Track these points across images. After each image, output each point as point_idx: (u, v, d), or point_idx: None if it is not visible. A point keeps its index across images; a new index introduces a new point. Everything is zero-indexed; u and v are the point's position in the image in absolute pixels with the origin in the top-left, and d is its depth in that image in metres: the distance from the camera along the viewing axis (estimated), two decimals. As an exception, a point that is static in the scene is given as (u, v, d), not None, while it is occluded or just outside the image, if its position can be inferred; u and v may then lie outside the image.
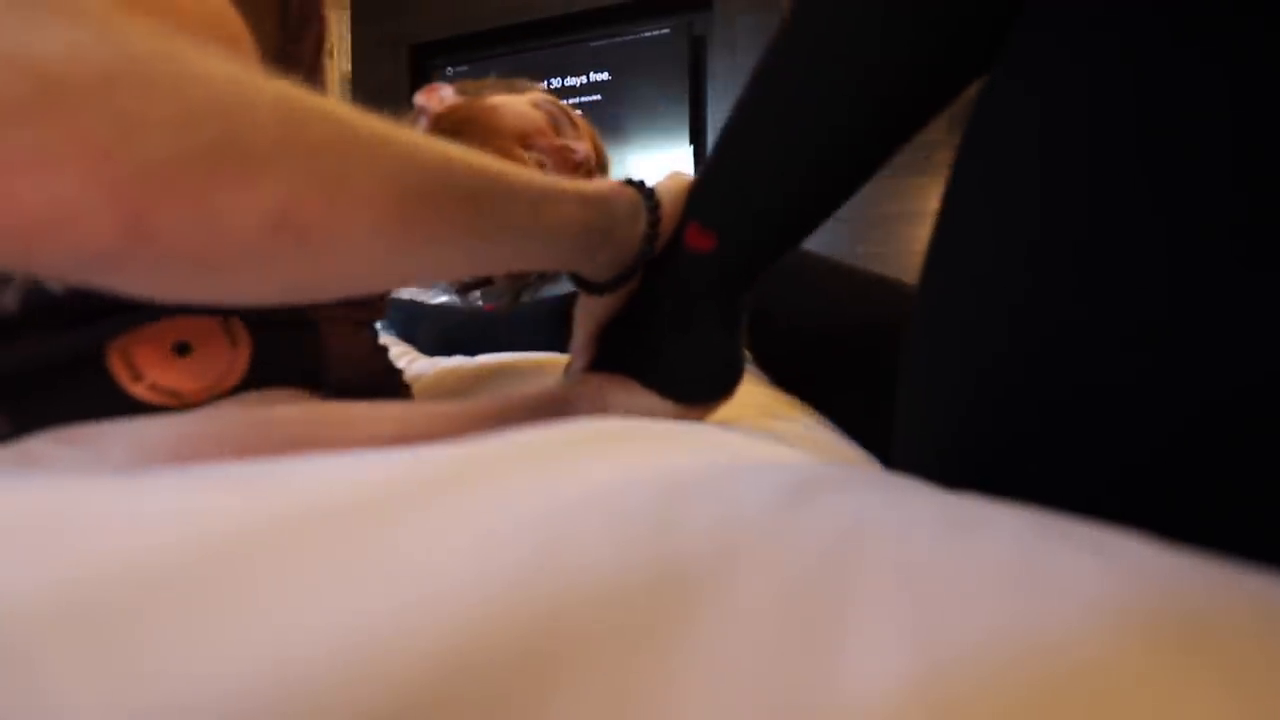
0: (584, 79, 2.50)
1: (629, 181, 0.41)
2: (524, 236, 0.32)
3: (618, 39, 2.45)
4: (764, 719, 0.10)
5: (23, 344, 0.31)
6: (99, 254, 0.19)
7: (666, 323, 0.44)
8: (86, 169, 0.18)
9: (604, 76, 2.48)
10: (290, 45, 0.34)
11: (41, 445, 0.28)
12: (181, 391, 0.32)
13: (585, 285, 0.44)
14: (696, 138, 2.37)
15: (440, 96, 0.68)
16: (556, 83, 2.54)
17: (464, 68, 2.70)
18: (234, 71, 0.21)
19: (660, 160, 2.38)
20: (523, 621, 0.11)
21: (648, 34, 2.42)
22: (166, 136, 0.19)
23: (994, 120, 0.32)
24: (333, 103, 0.23)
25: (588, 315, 0.47)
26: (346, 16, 2.81)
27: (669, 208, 0.42)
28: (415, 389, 0.70)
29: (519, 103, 0.66)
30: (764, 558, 0.14)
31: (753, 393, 0.64)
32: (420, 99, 0.68)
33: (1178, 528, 0.19)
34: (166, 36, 0.20)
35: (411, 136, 0.25)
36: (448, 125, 0.62)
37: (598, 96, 2.49)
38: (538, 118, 0.65)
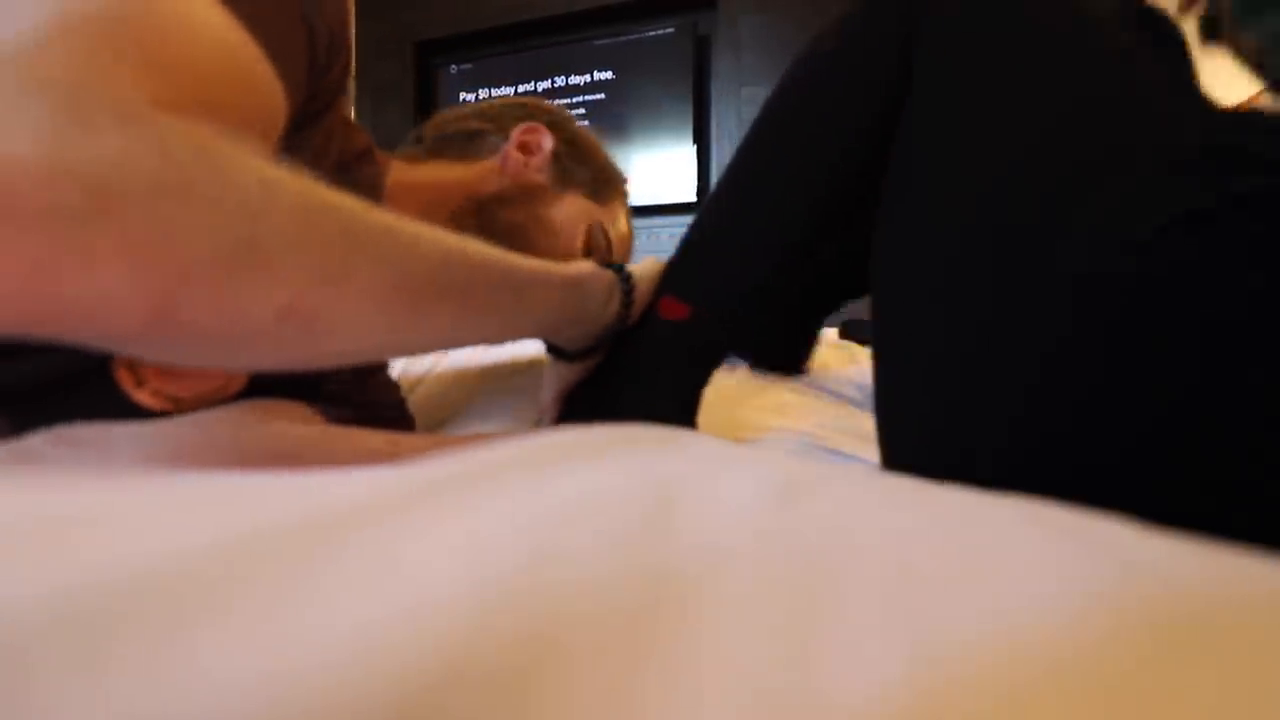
0: (587, 77, 2.50)
1: (609, 264, 0.44)
2: (507, 317, 0.34)
3: (621, 38, 2.44)
4: (758, 718, 0.10)
5: (28, 353, 0.31)
6: (126, 335, 0.20)
7: (625, 389, 0.48)
8: (126, 268, 0.19)
9: (608, 75, 2.48)
10: (320, 79, 0.35)
11: (41, 445, 0.28)
12: (183, 398, 0.32)
13: (556, 351, 0.48)
14: (700, 137, 2.36)
15: (543, 148, 0.58)
16: (560, 81, 2.53)
17: (468, 65, 2.69)
18: (262, 171, 0.22)
19: (663, 160, 2.37)
20: (517, 626, 0.11)
21: (651, 33, 2.41)
22: (201, 239, 0.20)
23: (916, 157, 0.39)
24: (344, 198, 0.25)
25: (556, 377, 0.50)
26: (350, 14, 2.81)
27: (642, 290, 0.46)
28: (419, 389, 0.70)
29: (575, 223, 0.58)
30: (754, 557, 0.14)
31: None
32: (524, 136, 0.58)
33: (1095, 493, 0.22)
34: (207, 139, 0.21)
35: (414, 229, 0.27)
36: (496, 210, 0.55)
37: (601, 95, 2.48)
38: (576, 246, 0.58)
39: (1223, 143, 0.29)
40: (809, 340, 0.64)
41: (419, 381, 0.73)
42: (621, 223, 0.66)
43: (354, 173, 0.47)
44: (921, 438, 0.34)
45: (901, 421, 0.36)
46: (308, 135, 0.38)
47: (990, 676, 0.11)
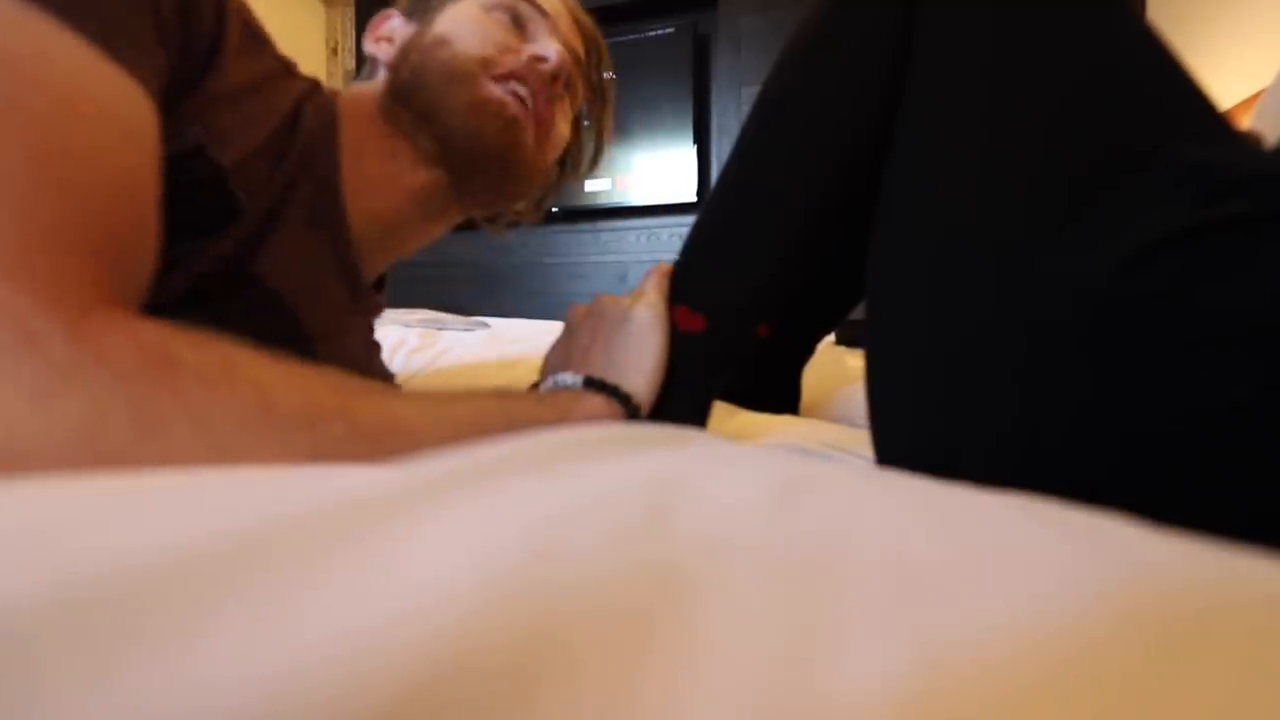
0: (588, 77, 2.50)
1: (615, 392, 0.43)
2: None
3: (622, 38, 2.44)
4: (759, 717, 0.10)
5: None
6: None
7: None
8: None
9: (608, 75, 2.48)
10: (183, 34, 0.35)
11: None
12: None
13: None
14: (700, 137, 2.36)
15: (391, 29, 0.56)
16: (560, 81, 2.54)
17: (468, 66, 2.70)
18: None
19: (663, 160, 2.37)
20: (519, 623, 0.11)
21: (652, 33, 2.41)
22: None
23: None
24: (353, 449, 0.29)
25: None
26: (351, 14, 2.81)
27: (646, 406, 0.44)
28: (412, 385, 0.71)
29: (470, 13, 0.54)
30: (755, 555, 0.14)
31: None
32: (370, 47, 0.57)
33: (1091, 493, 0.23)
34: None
35: (413, 425, 0.31)
36: (403, 82, 0.52)
37: (601, 95, 2.49)
38: (495, 29, 0.53)
39: (1210, 162, 0.30)
40: (802, 363, 0.65)
41: (412, 378, 0.73)
42: None
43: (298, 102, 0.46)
44: (910, 435, 0.35)
45: (891, 418, 0.37)
46: (211, 87, 0.38)
47: (992, 676, 0.11)
